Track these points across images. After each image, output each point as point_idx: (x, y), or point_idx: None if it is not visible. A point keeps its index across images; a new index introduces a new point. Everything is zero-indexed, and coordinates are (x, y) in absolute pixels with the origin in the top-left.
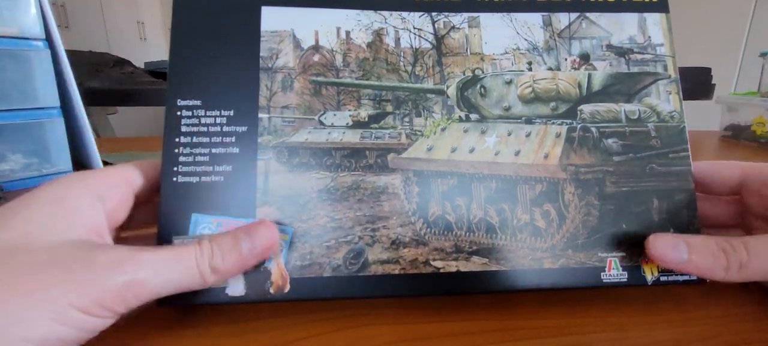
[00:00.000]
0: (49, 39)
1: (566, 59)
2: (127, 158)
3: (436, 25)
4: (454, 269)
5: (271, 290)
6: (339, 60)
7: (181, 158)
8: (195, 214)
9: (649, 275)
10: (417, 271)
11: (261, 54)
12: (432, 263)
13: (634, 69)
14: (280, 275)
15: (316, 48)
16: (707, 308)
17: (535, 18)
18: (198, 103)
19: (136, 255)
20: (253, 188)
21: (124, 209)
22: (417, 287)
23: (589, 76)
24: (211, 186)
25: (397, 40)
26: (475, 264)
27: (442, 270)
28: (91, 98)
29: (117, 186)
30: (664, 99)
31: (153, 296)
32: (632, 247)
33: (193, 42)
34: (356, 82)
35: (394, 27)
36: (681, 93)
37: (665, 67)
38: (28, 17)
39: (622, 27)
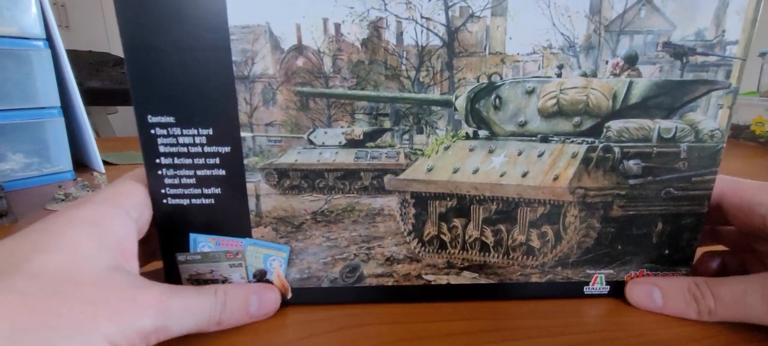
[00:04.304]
0: (49, 39)
1: (607, 62)
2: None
3: (449, 13)
4: (444, 282)
5: None
6: (328, 64)
7: (167, 180)
8: (193, 233)
9: None
10: (409, 283)
11: (233, 58)
12: (424, 276)
13: (689, 75)
14: (282, 285)
15: (300, 49)
16: None
17: (582, 3)
18: (171, 120)
19: (166, 301)
20: (246, 210)
21: (148, 222)
22: (408, 297)
23: (630, 84)
24: (202, 209)
25: (400, 36)
26: (465, 278)
27: (432, 283)
28: (91, 98)
29: (145, 204)
30: (711, 114)
31: (169, 338)
32: (622, 265)
33: (150, 44)
34: (349, 93)
35: (396, 16)
36: (734, 106)
37: (728, 74)
38: (28, 17)
39: (693, 16)
